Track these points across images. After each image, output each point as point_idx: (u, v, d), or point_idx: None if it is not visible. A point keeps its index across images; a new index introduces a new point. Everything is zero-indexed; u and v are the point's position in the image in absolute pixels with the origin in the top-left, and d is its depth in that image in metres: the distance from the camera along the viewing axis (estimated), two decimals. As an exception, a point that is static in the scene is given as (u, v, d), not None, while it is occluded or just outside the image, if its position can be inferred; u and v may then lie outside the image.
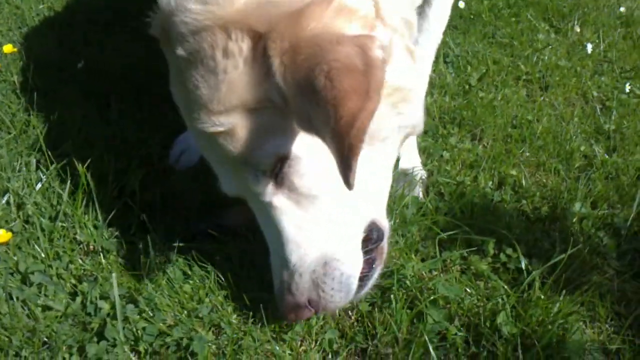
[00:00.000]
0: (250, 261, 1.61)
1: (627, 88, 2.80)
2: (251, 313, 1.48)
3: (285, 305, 1.36)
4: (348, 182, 1.10)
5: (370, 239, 1.43)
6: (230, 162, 1.32)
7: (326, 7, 1.18)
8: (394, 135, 1.40)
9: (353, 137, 1.05)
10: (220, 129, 1.26)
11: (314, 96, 1.08)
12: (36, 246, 1.59)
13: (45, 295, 1.48)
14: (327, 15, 1.17)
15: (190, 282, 1.53)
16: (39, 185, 1.76)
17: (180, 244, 1.63)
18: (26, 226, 1.65)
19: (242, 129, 1.26)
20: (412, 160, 2.02)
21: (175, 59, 1.29)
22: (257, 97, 1.22)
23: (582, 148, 2.31)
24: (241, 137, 1.26)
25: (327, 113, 1.06)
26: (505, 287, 1.60)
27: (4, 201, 1.71)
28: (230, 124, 1.25)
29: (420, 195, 1.95)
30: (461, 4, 3.42)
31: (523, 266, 1.65)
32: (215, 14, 1.20)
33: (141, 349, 1.40)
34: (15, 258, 1.55)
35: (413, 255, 1.69)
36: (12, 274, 1.52)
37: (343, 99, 1.05)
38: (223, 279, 1.54)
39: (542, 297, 1.56)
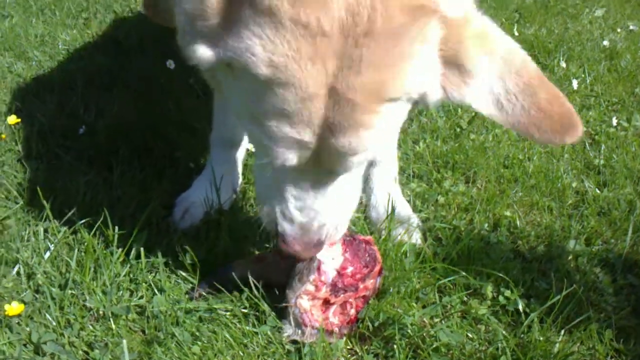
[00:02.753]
0: (258, 319, 1.65)
1: (614, 121, 2.88)
2: (259, 371, 1.52)
3: (297, 238, 1.47)
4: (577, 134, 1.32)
5: None
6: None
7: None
8: None
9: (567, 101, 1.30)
10: (362, 119, 1.25)
11: (510, 75, 1.27)
12: (47, 315, 1.63)
13: (58, 364, 1.52)
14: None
15: (199, 343, 1.57)
16: (48, 254, 1.81)
17: (188, 305, 1.68)
18: (37, 296, 1.70)
19: (382, 125, 1.27)
20: (404, 209, 2.08)
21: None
22: (432, 85, 1.28)
23: (574, 184, 2.38)
24: (377, 135, 1.29)
25: (532, 84, 1.27)
26: (505, 331, 1.64)
27: (14, 272, 1.76)
28: (378, 118, 1.25)
29: (418, 241, 2.00)
30: (448, 47, 3.52)
31: (521, 308, 1.69)
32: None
33: (153, 412, 1.44)
34: (28, 329, 1.59)
35: (414, 303, 1.74)
36: (25, 345, 1.57)
37: (540, 79, 1.29)
38: (231, 339, 1.58)
39: (542, 338, 1.59)
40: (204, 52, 1.24)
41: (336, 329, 1.62)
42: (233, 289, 1.72)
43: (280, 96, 1.18)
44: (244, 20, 1.16)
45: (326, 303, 1.61)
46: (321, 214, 1.46)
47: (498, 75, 1.26)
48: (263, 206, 1.54)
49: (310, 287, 1.58)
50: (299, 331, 1.60)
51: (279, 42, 1.13)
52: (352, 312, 1.64)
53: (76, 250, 1.79)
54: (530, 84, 1.26)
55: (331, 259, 1.60)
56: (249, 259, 1.75)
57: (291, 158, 1.29)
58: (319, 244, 1.50)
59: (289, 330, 1.62)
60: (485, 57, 1.24)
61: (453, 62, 1.24)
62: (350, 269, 1.61)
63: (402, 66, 1.19)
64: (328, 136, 1.24)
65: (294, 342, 1.60)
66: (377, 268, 1.65)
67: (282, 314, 1.65)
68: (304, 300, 1.59)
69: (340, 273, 1.60)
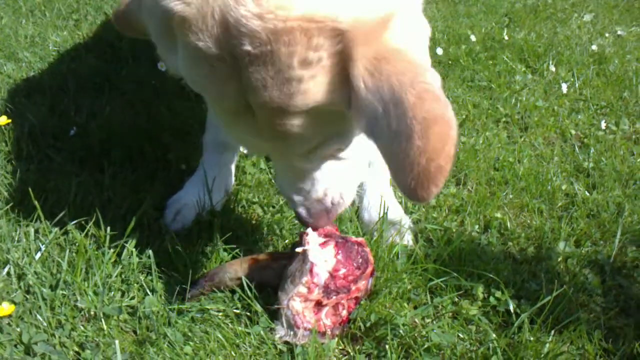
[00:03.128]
0: (250, 320, 1.66)
1: (603, 125, 2.90)
2: (251, 371, 1.53)
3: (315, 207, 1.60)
4: (429, 196, 1.14)
5: None
6: (282, 151, 1.45)
7: (407, 21, 1.23)
8: None
9: (443, 159, 1.11)
10: (283, 128, 1.30)
11: (396, 109, 1.12)
12: (38, 316, 1.63)
13: (49, 364, 1.51)
14: (407, 31, 1.22)
15: (191, 343, 1.57)
16: (39, 254, 1.80)
17: (180, 306, 1.68)
18: (27, 296, 1.69)
19: (308, 129, 1.31)
20: (395, 211, 2.09)
21: (232, 47, 1.20)
22: (331, 100, 1.23)
23: (564, 187, 2.39)
24: (306, 137, 1.35)
25: (412, 128, 1.09)
26: (495, 332, 1.65)
27: (4, 272, 1.75)
28: (296, 126, 1.29)
29: (410, 242, 2.01)
30: (439, 51, 3.55)
31: (512, 309, 1.70)
32: (296, 10, 1.15)
33: (145, 413, 1.44)
34: (18, 329, 1.59)
35: (405, 304, 1.74)
36: (15, 345, 1.56)
37: (432, 121, 1.09)
38: (224, 339, 1.58)
39: (532, 338, 1.61)
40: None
41: (328, 330, 1.62)
42: (225, 290, 1.72)
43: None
44: None
45: (318, 305, 1.62)
46: (320, 182, 1.56)
47: (382, 107, 1.15)
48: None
49: (302, 289, 1.59)
50: (291, 333, 1.61)
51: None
52: (344, 313, 1.65)
53: (67, 251, 1.79)
54: (409, 125, 1.11)
55: (324, 261, 1.61)
56: (241, 260, 1.75)
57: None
58: (328, 211, 1.61)
59: (281, 332, 1.62)
60: (373, 85, 1.16)
61: (345, 80, 1.21)
62: (342, 271, 1.61)
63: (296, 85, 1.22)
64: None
65: (287, 342, 1.61)
66: (369, 269, 1.66)
67: (274, 315, 1.65)
68: (297, 302, 1.60)
69: (332, 275, 1.60)
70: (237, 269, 1.72)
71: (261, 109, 1.28)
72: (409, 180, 1.13)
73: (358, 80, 1.17)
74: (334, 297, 1.61)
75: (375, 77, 1.15)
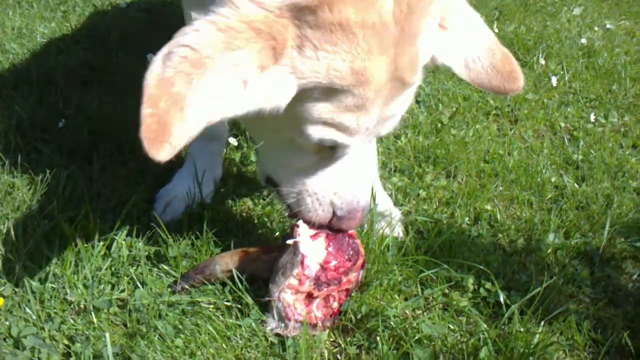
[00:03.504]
0: (241, 312, 1.65)
1: (592, 118, 2.92)
2: (242, 363, 1.53)
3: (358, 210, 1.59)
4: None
5: None
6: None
7: None
8: None
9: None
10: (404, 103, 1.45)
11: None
12: (27, 309, 1.62)
13: (39, 358, 1.50)
14: None
15: (182, 336, 1.57)
16: (27, 248, 1.79)
17: (170, 298, 1.67)
18: (16, 290, 1.68)
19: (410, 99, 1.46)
20: (385, 203, 2.08)
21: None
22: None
23: (553, 179, 2.41)
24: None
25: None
26: (485, 323, 1.65)
27: (-7, 265, 1.74)
28: (410, 96, 1.46)
29: (400, 234, 2.01)
30: (429, 43, 3.54)
31: (502, 300, 1.71)
32: None
33: (136, 406, 1.43)
34: (7, 323, 1.57)
35: (396, 296, 1.75)
36: (4, 339, 1.55)
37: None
38: (214, 332, 1.58)
39: (522, 329, 1.62)
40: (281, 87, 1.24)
41: (319, 322, 1.62)
42: (216, 283, 1.72)
43: (358, 94, 1.28)
44: (311, 43, 1.20)
45: (309, 297, 1.62)
46: (361, 184, 1.59)
47: (468, 38, 1.46)
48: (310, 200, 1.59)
49: (293, 281, 1.58)
50: (282, 325, 1.61)
51: (354, 51, 1.22)
52: (335, 305, 1.65)
53: (57, 244, 1.78)
54: (490, 47, 1.47)
55: (315, 253, 1.61)
56: (232, 252, 1.75)
57: (358, 142, 1.42)
58: (361, 211, 1.62)
59: (272, 324, 1.62)
60: (461, 19, 1.44)
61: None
62: (333, 263, 1.61)
63: (427, 37, 1.34)
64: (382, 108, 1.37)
65: (278, 335, 1.61)
66: (360, 261, 1.66)
67: (265, 307, 1.65)
68: (288, 294, 1.59)
69: (323, 267, 1.60)
70: (227, 261, 1.72)
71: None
72: (501, 85, 1.52)
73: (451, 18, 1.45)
74: (325, 289, 1.61)
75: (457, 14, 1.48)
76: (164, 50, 1.13)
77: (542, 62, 3.52)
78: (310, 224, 1.61)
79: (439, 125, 2.75)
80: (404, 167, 2.40)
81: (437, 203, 2.22)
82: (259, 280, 1.71)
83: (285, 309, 1.59)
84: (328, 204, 1.57)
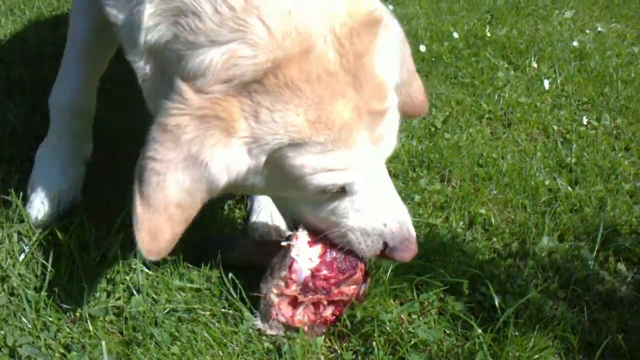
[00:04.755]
0: (236, 319, 1.66)
1: (585, 120, 2.94)
2: (239, 370, 1.53)
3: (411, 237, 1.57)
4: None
5: None
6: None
7: None
8: None
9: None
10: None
11: None
12: (23, 318, 1.61)
13: (35, 367, 1.50)
14: None
15: (178, 343, 1.57)
16: (22, 256, 1.78)
17: (167, 305, 1.67)
18: (12, 299, 1.68)
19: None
20: None
21: None
22: None
23: (547, 182, 2.42)
24: None
25: None
26: (481, 327, 1.65)
27: (-12, 275, 1.73)
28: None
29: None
30: (422, 48, 3.56)
31: (497, 304, 1.72)
32: None
33: (133, 414, 1.43)
34: (3, 332, 1.57)
35: (392, 300, 1.75)
36: (0, 349, 1.54)
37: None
38: (211, 338, 1.58)
39: (517, 333, 1.62)
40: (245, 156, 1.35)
41: (305, 327, 1.61)
42: (212, 289, 1.72)
43: (326, 140, 1.33)
44: (266, 108, 1.28)
45: (295, 300, 1.61)
46: (401, 209, 1.58)
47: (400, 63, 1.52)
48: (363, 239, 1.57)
49: (280, 283, 1.59)
50: (265, 323, 1.62)
51: (305, 104, 1.29)
52: (327, 313, 1.64)
53: (52, 252, 1.77)
54: (410, 78, 1.56)
55: (308, 259, 1.60)
56: (251, 241, 1.81)
57: (366, 171, 1.44)
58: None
59: (256, 320, 1.63)
60: (405, 56, 1.56)
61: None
62: (324, 272, 1.60)
63: (386, 64, 1.41)
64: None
65: (259, 331, 1.62)
66: (356, 275, 1.63)
67: (255, 303, 1.66)
68: (273, 294, 1.60)
69: (314, 274, 1.59)
70: (246, 249, 1.78)
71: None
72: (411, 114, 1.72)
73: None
74: (311, 296, 1.60)
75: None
76: (137, 166, 1.33)
77: (535, 65, 3.54)
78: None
79: (433, 129, 2.76)
80: (398, 172, 2.41)
81: (431, 207, 2.23)
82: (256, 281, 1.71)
83: (269, 308, 1.60)
84: (377, 235, 1.54)
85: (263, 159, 1.35)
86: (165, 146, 1.28)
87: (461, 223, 2.15)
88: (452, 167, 2.45)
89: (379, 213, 1.52)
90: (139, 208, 1.30)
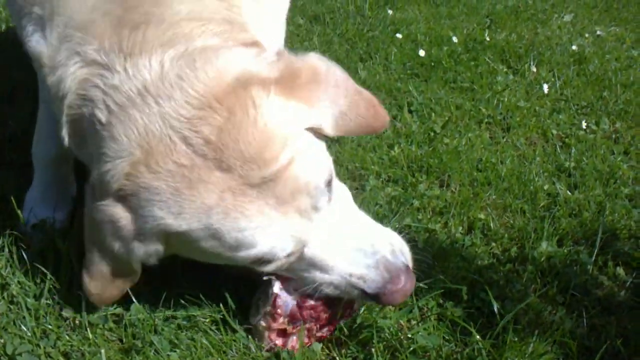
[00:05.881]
0: (236, 325, 1.66)
1: (584, 124, 2.94)
2: (238, 377, 1.53)
3: (394, 276, 1.50)
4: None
5: None
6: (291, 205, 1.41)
7: None
8: None
9: None
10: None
11: None
12: (23, 326, 1.62)
13: (35, 375, 1.51)
14: None
15: (178, 350, 1.57)
16: (22, 263, 1.79)
17: (166, 313, 1.67)
18: (11, 307, 1.68)
19: None
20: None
21: None
22: None
23: (546, 187, 2.42)
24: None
25: None
26: (479, 333, 1.66)
27: (-13, 283, 1.74)
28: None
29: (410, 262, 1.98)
30: (422, 53, 3.56)
31: (495, 310, 1.72)
32: None
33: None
34: (2, 340, 1.58)
35: (390, 306, 1.75)
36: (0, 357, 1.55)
37: None
38: (210, 346, 1.58)
39: (516, 339, 1.63)
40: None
41: (305, 338, 1.60)
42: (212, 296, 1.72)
43: (207, 224, 1.36)
44: (136, 206, 1.38)
45: (285, 332, 1.59)
46: (376, 233, 1.56)
47: (333, 102, 1.49)
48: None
49: (266, 317, 1.58)
50: (261, 344, 1.61)
51: (165, 198, 1.34)
52: (322, 333, 1.62)
53: (51, 260, 1.78)
54: (353, 101, 1.52)
55: (292, 290, 1.57)
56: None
57: (286, 232, 1.41)
58: (406, 269, 1.52)
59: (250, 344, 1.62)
60: (320, 92, 1.47)
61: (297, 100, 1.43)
62: (310, 302, 1.57)
63: (255, 130, 1.35)
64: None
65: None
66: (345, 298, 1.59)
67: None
68: (262, 327, 1.60)
69: (300, 305, 1.57)
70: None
71: None
72: (370, 128, 1.62)
73: (308, 98, 1.52)
74: (301, 326, 1.58)
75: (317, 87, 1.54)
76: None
77: (534, 69, 3.54)
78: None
79: (432, 134, 2.76)
80: (397, 177, 2.41)
81: (430, 212, 2.23)
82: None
83: (262, 335, 1.60)
84: (350, 286, 1.50)
85: (160, 246, 1.44)
86: (86, 229, 1.51)
87: (460, 228, 2.15)
88: (451, 172, 2.45)
89: (338, 266, 1.48)
90: (85, 276, 1.53)
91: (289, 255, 1.45)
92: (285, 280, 1.56)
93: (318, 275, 1.51)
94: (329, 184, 1.45)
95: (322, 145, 1.52)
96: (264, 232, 1.37)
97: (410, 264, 1.56)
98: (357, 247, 1.50)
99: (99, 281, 1.52)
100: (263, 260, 1.44)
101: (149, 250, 1.45)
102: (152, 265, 1.50)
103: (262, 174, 1.33)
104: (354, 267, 1.49)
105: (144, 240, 1.42)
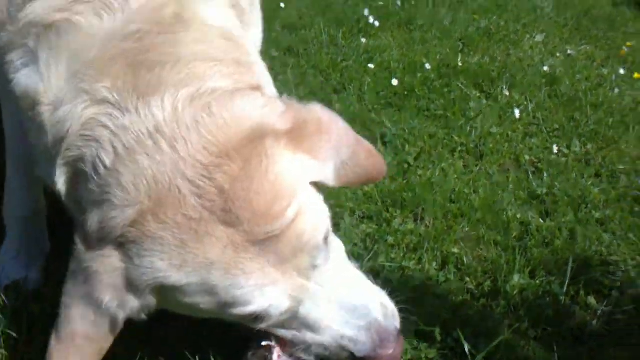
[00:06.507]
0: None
1: (555, 148, 2.99)
2: None
3: (384, 340, 1.48)
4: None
5: None
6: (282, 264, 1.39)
7: None
8: None
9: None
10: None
11: None
12: None
13: None
14: None
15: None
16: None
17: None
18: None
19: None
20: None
21: None
22: None
23: (519, 216, 2.46)
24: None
25: None
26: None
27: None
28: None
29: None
30: (394, 82, 3.61)
31: (467, 351, 1.74)
32: None
33: None
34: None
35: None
36: None
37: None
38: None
39: (488, 379, 1.65)
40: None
41: None
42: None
43: (207, 278, 1.33)
44: (135, 255, 1.33)
45: None
46: (369, 292, 1.54)
47: (336, 153, 1.47)
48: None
49: None
50: None
51: (168, 250, 1.31)
52: None
53: (25, 325, 1.78)
54: (354, 152, 1.50)
55: (289, 357, 1.54)
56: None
57: (283, 289, 1.38)
58: (397, 334, 1.52)
59: None
60: (324, 143, 1.45)
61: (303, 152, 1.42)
62: None
63: (267, 183, 1.33)
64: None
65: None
66: None
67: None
68: None
69: None
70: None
71: None
72: (369, 178, 1.61)
73: (314, 151, 1.50)
74: None
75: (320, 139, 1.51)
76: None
77: (506, 93, 3.60)
78: None
79: (406, 166, 2.79)
80: (371, 213, 2.44)
81: (405, 249, 2.25)
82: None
83: None
84: (339, 348, 1.48)
85: (153, 299, 1.39)
86: (71, 282, 1.41)
87: (434, 264, 2.18)
88: (425, 205, 2.48)
89: (331, 326, 1.47)
90: (52, 340, 1.41)
91: (282, 314, 1.43)
92: (283, 345, 1.54)
93: (309, 336, 1.49)
94: (326, 240, 1.44)
95: (321, 198, 1.50)
96: (261, 291, 1.35)
97: (399, 327, 1.55)
98: (351, 308, 1.48)
99: (66, 345, 1.41)
100: (256, 318, 1.41)
101: (141, 303, 1.39)
102: (139, 321, 1.43)
103: (267, 229, 1.31)
104: (347, 328, 1.47)
105: (137, 292, 1.37)
